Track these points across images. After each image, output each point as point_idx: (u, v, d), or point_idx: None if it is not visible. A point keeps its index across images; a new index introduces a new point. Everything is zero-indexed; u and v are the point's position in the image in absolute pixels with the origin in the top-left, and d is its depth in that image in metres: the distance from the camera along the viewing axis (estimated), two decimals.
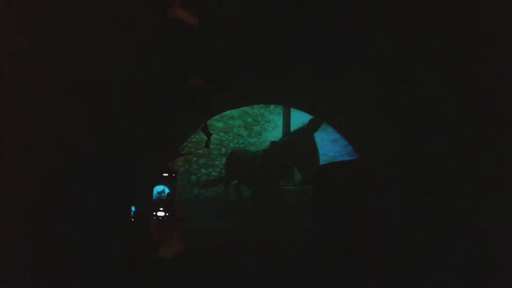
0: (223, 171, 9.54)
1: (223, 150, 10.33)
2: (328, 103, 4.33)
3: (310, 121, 7.04)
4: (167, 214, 1.88)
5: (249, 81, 4.12)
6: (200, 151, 9.22)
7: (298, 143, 7.36)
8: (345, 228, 2.76)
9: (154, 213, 1.88)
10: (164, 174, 2.00)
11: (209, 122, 5.42)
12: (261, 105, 12.15)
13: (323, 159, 8.30)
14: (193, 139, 7.12)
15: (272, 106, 12.89)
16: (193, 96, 3.51)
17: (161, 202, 1.90)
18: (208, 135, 5.26)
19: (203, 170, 9.53)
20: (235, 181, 8.55)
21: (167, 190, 2.21)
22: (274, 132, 13.37)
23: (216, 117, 9.28)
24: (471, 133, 2.25)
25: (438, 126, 2.55)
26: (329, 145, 11.12)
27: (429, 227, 2.58)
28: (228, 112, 10.32)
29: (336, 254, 2.75)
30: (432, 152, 2.65)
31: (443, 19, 2.08)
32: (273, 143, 8.12)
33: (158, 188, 1.99)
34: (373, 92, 3.27)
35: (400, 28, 2.37)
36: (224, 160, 9.81)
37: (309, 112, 5.69)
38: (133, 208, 3.42)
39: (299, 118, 11.78)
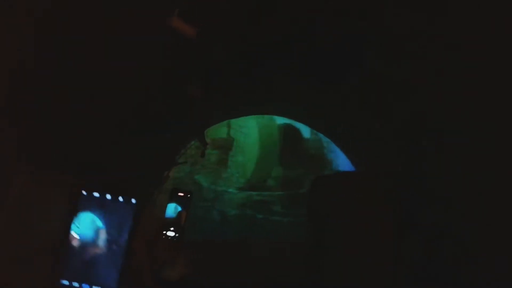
0: None
1: None
2: (325, 114, 4.34)
3: None
4: (177, 235, 1.80)
5: (247, 91, 4.13)
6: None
7: None
8: (338, 240, 2.75)
9: (164, 232, 1.80)
10: (180, 194, 1.89)
11: None
12: None
13: None
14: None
15: None
16: (189, 105, 3.51)
17: (172, 222, 1.83)
18: (204, 144, 5.25)
19: None
20: None
21: (179, 209, 2.10)
22: None
23: None
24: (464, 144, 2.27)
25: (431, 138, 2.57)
26: None
27: (420, 239, 2.58)
28: None
29: (329, 266, 2.74)
30: (425, 164, 2.66)
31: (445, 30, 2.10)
32: None
33: (171, 207, 1.89)
34: (370, 103, 3.28)
35: (399, 41, 2.39)
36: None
37: (306, 124, 5.70)
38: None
39: None
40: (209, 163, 8.61)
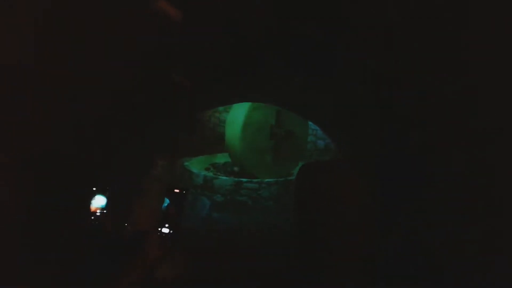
0: None
1: None
2: (313, 102, 4.34)
3: None
4: (171, 231, 1.78)
5: (234, 79, 4.10)
6: None
7: None
8: (322, 230, 2.78)
9: (159, 229, 1.79)
10: (176, 190, 1.87)
11: None
12: None
13: None
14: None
15: None
16: (175, 92, 3.48)
17: (167, 217, 1.81)
18: (193, 131, 5.26)
19: None
20: None
21: (166, 203, 2.08)
22: None
23: None
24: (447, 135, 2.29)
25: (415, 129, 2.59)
26: None
27: (403, 234, 2.62)
28: None
29: (313, 257, 2.78)
30: (409, 155, 2.69)
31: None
32: None
33: (166, 202, 1.89)
34: (357, 94, 3.29)
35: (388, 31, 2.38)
36: None
37: (295, 111, 5.70)
38: None
39: None
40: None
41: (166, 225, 1.84)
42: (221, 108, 10.05)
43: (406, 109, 2.61)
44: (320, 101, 4.10)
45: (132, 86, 2.92)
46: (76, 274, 2.15)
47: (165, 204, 1.96)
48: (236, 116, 8.04)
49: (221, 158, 9.18)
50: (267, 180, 7.79)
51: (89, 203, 2.65)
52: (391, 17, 2.24)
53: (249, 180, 7.79)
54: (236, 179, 7.83)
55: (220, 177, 7.89)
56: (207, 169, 8.34)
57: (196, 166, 8.31)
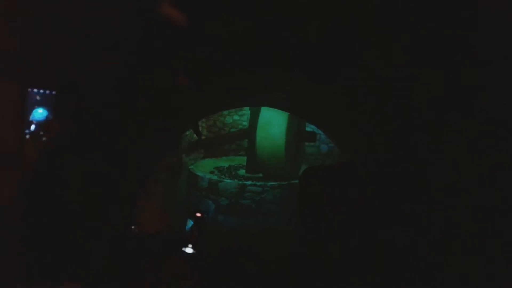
0: None
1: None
2: (317, 106, 4.37)
3: None
4: (194, 251, 1.82)
5: (240, 82, 4.15)
6: None
7: None
8: (326, 232, 2.81)
9: (183, 249, 1.83)
10: (198, 214, 1.94)
11: None
12: None
13: None
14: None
15: None
16: (180, 95, 3.53)
17: (191, 237, 1.84)
18: (199, 135, 5.32)
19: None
20: None
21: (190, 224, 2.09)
22: None
23: None
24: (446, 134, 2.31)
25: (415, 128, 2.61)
26: None
27: (407, 232, 2.63)
28: None
29: (317, 258, 2.80)
30: (410, 157, 2.71)
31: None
32: None
33: (190, 224, 1.94)
34: (359, 98, 3.31)
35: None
36: None
37: (299, 115, 5.74)
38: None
39: None
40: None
41: (190, 245, 1.89)
42: (225, 112, 10.12)
43: (405, 112, 2.64)
44: (324, 105, 4.14)
45: (139, 92, 2.98)
46: (85, 277, 2.18)
47: (189, 226, 2.02)
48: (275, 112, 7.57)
49: (226, 162, 9.25)
50: (270, 183, 7.80)
51: (96, 205, 2.68)
52: (392, 21, 2.27)
53: (253, 183, 7.81)
54: (240, 182, 7.86)
55: (224, 180, 7.92)
56: (211, 172, 8.40)
57: (201, 169, 8.37)
